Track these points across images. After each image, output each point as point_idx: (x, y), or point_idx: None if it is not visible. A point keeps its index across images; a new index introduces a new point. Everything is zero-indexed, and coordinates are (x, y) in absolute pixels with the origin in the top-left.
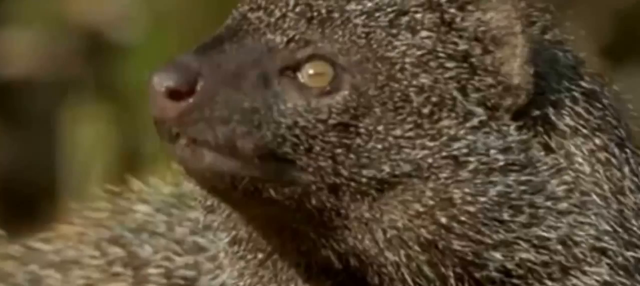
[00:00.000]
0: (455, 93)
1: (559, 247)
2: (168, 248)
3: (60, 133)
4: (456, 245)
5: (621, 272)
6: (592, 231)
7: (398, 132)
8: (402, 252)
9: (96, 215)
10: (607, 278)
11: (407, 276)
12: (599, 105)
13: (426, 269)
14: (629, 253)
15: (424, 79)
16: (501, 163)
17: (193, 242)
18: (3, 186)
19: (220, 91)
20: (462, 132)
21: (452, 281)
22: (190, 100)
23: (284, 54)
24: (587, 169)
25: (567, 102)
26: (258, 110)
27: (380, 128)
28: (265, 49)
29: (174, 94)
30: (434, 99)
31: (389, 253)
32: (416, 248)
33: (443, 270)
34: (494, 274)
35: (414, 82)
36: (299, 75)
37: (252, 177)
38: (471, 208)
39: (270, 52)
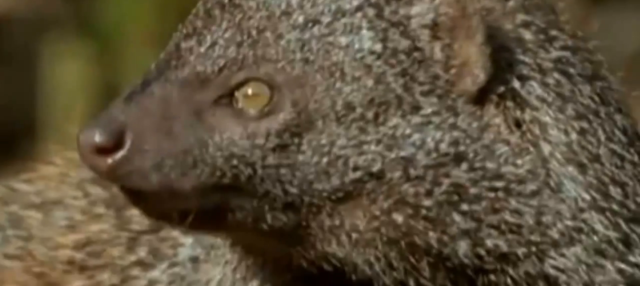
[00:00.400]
0: (400, 90)
1: (531, 230)
2: None
3: (40, 71)
4: (418, 240)
5: (603, 245)
6: (567, 210)
7: (343, 142)
8: (369, 251)
9: (78, 155)
10: (584, 256)
11: (380, 272)
12: (571, 71)
13: (397, 263)
14: (609, 222)
15: (366, 81)
16: (452, 156)
17: None
18: None
19: (150, 139)
20: (409, 130)
21: (426, 272)
22: (120, 153)
23: (217, 83)
24: (562, 139)
25: (536, 73)
26: (191, 149)
27: (323, 141)
28: (197, 82)
29: (102, 150)
30: (377, 101)
31: (357, 254)
32: (382, 247)
33: (414, 262)
34: (466, 261)
35: (356, 87)
36: (235, 100)
37: (199, 209)
38: (426, 203)
39: (202, 83)
